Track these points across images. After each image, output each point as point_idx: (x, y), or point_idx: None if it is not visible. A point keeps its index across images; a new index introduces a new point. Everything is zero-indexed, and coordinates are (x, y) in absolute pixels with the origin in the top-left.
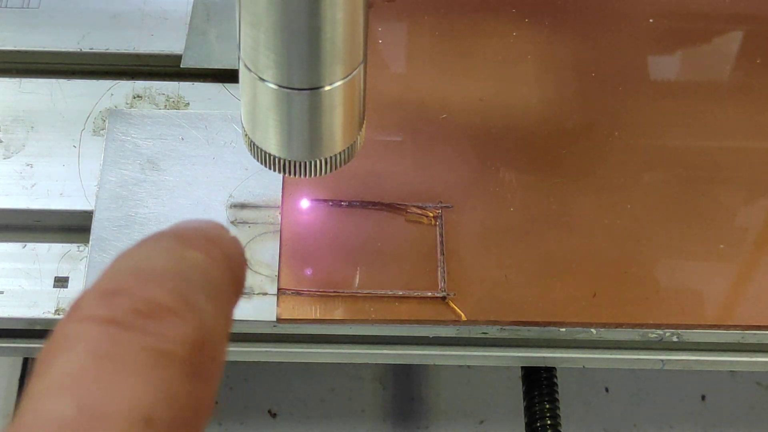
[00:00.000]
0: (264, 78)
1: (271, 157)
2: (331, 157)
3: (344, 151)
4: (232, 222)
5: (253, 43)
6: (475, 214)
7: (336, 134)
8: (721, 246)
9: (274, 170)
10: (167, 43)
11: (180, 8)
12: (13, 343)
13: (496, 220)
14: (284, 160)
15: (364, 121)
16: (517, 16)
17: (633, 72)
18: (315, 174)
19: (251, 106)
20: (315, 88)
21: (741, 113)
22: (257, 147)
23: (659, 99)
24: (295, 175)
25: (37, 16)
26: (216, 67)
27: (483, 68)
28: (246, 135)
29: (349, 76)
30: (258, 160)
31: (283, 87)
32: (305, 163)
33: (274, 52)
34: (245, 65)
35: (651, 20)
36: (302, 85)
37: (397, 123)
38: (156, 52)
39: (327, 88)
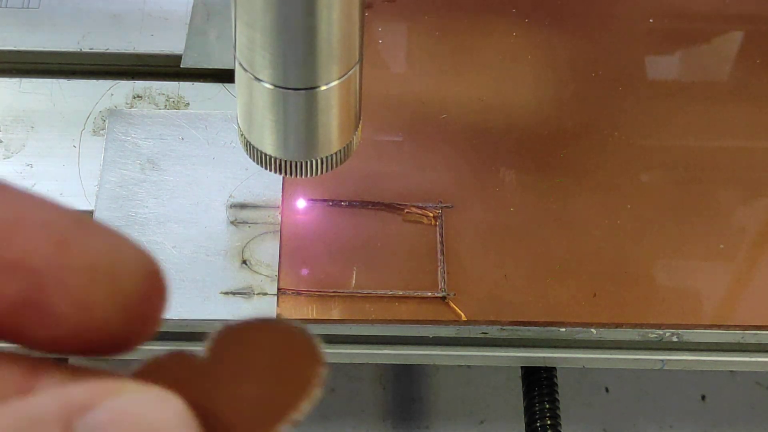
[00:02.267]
0: (260, 78)
1: (268, 157)
2: (327, 157)
3: (340, 150)
4: (232, 222)
5: (248, 43)
6: (475, 214)
7: (332, 134)
8: (721, 246)
9: (271, 170)
10: (167, 43)
11: (180, 8)
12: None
13: (496, 220)
14: (281, 160)
15: (360, 121)
16: (517, 16)
17: (632, 72)
18: (311, 174)
19: (247, 106)
20: (311, 88)
21: (741, 113)
22: (253, 147)
23: (659, 99)
24: (291, 175)
25: (37, 16)
26: (216, 67)
27: (483, 68)
28: (242, 135)
29: (345, 76)
30: (254, 160)
31: (279, 87)
32: (301, 162)
33: (270, 52)
34: (241, 65)
35: (651, 20)
36: (298, 84)
37: (397, 123)
38: (156, 52)
39: (323, 87)
